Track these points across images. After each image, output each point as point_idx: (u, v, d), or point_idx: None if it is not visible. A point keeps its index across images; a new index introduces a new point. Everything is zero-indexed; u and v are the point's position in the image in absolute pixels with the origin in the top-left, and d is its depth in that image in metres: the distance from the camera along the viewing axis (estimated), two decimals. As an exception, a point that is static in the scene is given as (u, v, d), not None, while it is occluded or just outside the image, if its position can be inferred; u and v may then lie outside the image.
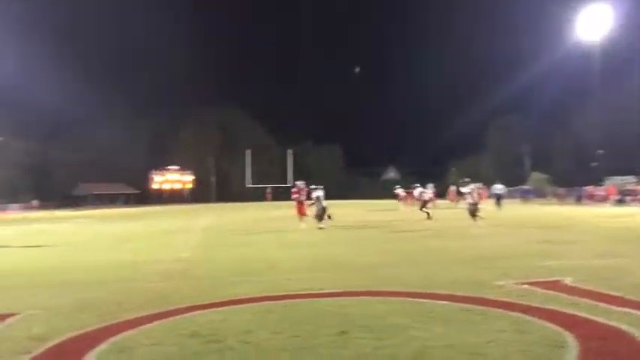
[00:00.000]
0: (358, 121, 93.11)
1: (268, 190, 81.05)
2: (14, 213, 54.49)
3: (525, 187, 55.92)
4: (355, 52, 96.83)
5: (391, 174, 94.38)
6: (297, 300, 6.91)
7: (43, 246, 16.63)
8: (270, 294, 7.29)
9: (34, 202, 70.18)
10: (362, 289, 7.46)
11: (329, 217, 20.31)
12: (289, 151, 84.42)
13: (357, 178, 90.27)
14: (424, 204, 24.97)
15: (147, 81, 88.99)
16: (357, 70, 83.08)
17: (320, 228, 19.01)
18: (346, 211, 34.29)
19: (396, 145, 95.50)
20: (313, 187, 20.77)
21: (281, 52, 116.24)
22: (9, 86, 67.80)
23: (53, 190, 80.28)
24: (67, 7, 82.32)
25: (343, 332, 5.24)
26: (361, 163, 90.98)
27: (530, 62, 67.67)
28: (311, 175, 79.81)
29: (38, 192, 76.48)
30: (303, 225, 20.08)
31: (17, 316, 6.35)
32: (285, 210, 37.98)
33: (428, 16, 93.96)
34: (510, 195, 43.98)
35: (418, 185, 29.54)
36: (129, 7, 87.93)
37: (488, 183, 38.25)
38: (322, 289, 7.53)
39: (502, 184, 34.32)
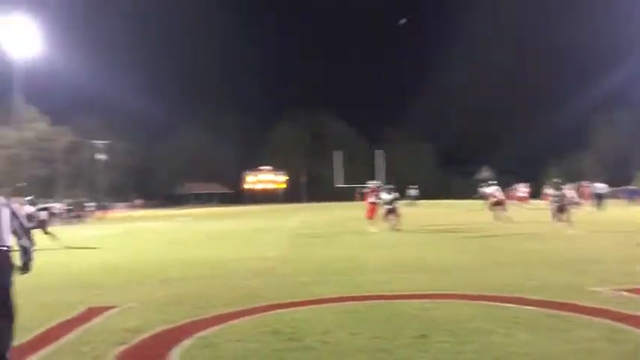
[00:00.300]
0: (450, 119, 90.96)
1: (358, 190, 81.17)
2: (119, 212, 58.15)
3: (632, 187, 52.29)
4: (445, 47, 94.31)
5: (485, 173, 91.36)
6: (379, 301, 6.90)
7: (143, 243, 17.67)
8: (353, 294, 7.34)
9: (137, 201, 74.49)
10: (446, 292, 7.33)
11: (397, 219, 19.00)
12: (378, 151, 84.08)
13: (449, 177, 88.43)
14: (498, 204, 22.96)
15: (239, 83, 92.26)
16: (404, 21, 77.94)
17: (394, 229, 18.32)
18: (436, 211, 33.68)
19: (491, 143, 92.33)
20: (383, 186, 19.99)
21: (371, 50, 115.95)
22: (114, 95, 73.18)
23: (155, 189, 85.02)
24: (160, 20, 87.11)
25: (424, 335, 5.18)
26: (454, 162, 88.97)
27: (637, 52, 63.29)
28: (402, 174, 79.07)
29: (141, 191, 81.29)
30: (372, 228, 18.70)
31: (116, 309, 6.80)
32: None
33: (526, 5, 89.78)
34: (614, 195, 41.30)
35: (494, 182, 28.21)
36: (218, 11, 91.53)
37: (590, 182, 36.16)
38: (405, 291, 7.47)
39: (605, 183, 32.35)
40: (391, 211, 19.04)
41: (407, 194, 48.60)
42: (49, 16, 57.54)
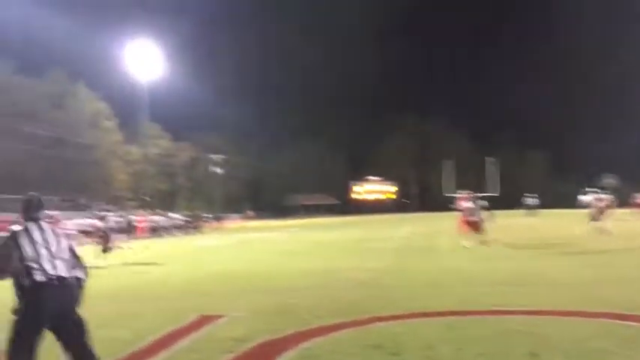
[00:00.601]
0: (567, 125, 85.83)
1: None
2: (233, 222, 60.65)
3: None
4: (558, 52, 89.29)
5: (609, 180, 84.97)
6: (487, 316, 6.63)
7: (254, 253, 18.29)
8: (459, 308, 7.10)
9: (250, 212, 77.34)
10: (560, 309, 6.88)
11: (483, 231, 16.83)
12: (490, 159, 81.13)
13: (565, 186, 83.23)
14: (599, 213, 19.76)
15: (346, 95, 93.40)
16: None
17: (482, 242, 16.20)
18: (552, 222, 31.86)
19: (612, 150, 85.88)
20: (475, 195, 17.89)
21: (479, 56, 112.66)
22: (230, 111, 77.48)
23: (266, 201, 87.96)
24: (268, 39, 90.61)
25: (534, 354, 4.90)
26: (571, 170, 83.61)
27: None
28: (516, 183, 75.65)
29: (253, 203, 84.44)
30: (466, 242, 16.40)
31: (224, 318, 7.07)
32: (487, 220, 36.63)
33: None
34: None
35: (598, 190, 25.73)
36: (324, 25, 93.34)
37: None
38: (513, 306, 7.11)
39: None
40: (474, 223, 16.87)
41: (524, 203, 46.22)
42: (171, 40, 61.83)
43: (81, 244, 27.17)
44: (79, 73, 58.97)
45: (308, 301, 8.12)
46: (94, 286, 11.52)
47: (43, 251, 3.82)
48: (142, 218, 34.53)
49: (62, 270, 3.87)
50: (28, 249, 3.79)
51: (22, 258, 3.76)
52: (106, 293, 9.97)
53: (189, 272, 13.25)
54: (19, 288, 3.75)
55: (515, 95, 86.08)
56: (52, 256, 3.85)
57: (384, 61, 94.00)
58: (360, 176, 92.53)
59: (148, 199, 54.94)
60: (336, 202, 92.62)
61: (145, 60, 51.18)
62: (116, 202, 52.84)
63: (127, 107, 62.14)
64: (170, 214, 39.12)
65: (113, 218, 30.96)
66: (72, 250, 4.10)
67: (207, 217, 49.04)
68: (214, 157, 73.21)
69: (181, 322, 6.82)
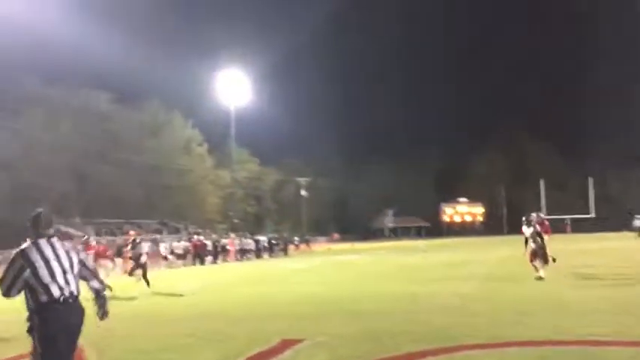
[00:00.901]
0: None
1: (566, 222, 74.89)
2: (319, 245, 61.04)
3: None
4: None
5: None
6: (587, 347, 6.17)
7: (339, 276, 18.23)
8: (554, 338, 6.67)
9: (336, 235, 77.62)
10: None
11: (553, 260, 14.07)
12: (590, 179, 76.83)
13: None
14: None
15: (434, 116, 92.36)
16: None
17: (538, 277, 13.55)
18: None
19: None
20: (528, 219, 14.35)
21: (571, 70, 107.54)
22: (314, 135, 79.27)
23: (352, 223, 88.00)
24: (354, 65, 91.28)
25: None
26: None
27: None
28: (620, 204, 70.90)
29: (339, 225, 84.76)
30: (541, 272, 13.60)
31: (305, 343, 7.02)
32: (584, 243, 34.60)
33: None
34: None
35: None
36: (411, 45, 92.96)
37: None
38: (615, 336, 6.58)
39: None
40: (535, 252, 13.90)
41: (633, 225, 43.12)
42: (257, 68, 64.12)
43: (176, 266, 28.46)
44: (172, 101, 62.30)
45: (393, 326, 7.94)
46: (181, 307, 11.91)
47: (56, 267, 3.82)
48: (231, 241, 35.50)
49: (74, 286, 3.88)
50: (40, 265, 3.77)
51: (35, 274, 3.75)
52: (194, 314, 10.28)
53: (275, 294, 13.40)
54: (35, 304, 3.75)
55: (618, 107, 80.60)
56: (65, 272, 3.85)
57: (471, 79, 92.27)
58: (450, 197, 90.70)
59: (237, 221, 56.58)
60: (425, 224, 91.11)
61: (233, 88, 53.58)
62: (207, 226, 54.75)
63: (216, 133, 65.01)
64: (258, 237, 39.96)
65: (205, 241, 32.11)
66: (84, 264, 4.11)
67: (294, 240, 49.71)
68: (300, 180, 74.45)
69: (265, 345, 6.85)
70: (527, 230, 14.12)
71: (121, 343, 7.56)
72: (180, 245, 31.35)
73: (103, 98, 53.95)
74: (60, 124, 47.51)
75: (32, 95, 46.29)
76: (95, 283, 4.11)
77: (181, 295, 14.03)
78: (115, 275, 19.64)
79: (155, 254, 31.76)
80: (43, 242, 3.88)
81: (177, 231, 50.07)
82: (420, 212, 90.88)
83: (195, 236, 33.26)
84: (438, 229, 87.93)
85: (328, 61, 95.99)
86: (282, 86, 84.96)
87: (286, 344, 6.91)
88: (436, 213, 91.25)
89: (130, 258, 16.50)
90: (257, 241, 37.77)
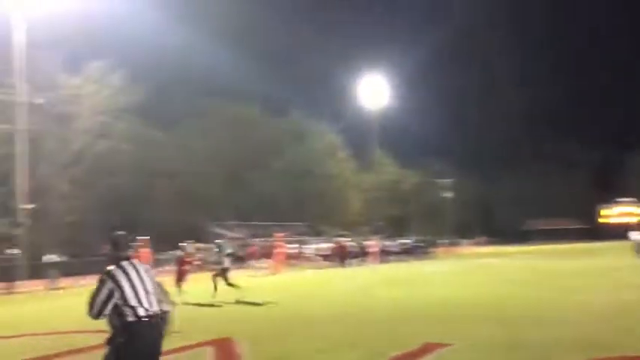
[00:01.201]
0: None
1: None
2: (465, 248, 59.25)
3: None
4: None
5: None
6: None
7: (484, 280, 17.65)
8: None
9: (481, 238, 74.89)
10: None
11: None
12: None
13: None
14: None
15: (584, 114, 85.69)
16: None
17: None
18: None
19: None
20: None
21: None
22: (453, 135, 76.91)
23: (498, 226, 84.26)
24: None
25: None
26: None
27: None
28: None
29: (485, 228, 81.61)
30: None
31: (450, 347, 6.98)
32: None
33: None
34: None
35: None
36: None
37: None
38: None
39: None
40: None
41: None
42: (397, 71, 64.34)
43: (321, 266, 29.37)
44: (317, 108, 64.52)
45: (542, 335, 7.62)
46: (323, 308, 12.24)
47: (140, 288, 4.02)
48: (373, 243, 35.78)
49: (155, 305, 4.08)
50: (127, 287, 3.97)
51: (123, 297, 3.94)
52: (334, 315, 10.56)
53: (418, 297, 13.35)
54: (121, 323, 3.95)
55: None
56: (147, 292, 4.06)
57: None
58: (609, 198, 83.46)
59: (381, 224, 56.92)
60: (579, 226, 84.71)
61: (375, 92, 54.37)
62: (351, 228, 55.67)
63: (357, 137, 66.04)
64: (400, 240, 39.89)
65: (348, 243, 32.80)
66: (159, 285, 4.30)
67: (440, 242, 48.96)
68: (443, 181, 72.92)
69: (406, 348, 6.92)
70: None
71: (277, 343, 7.83)
72: (325, 247, 32.34)
73: (251, 110, 57.38)
74: (215, 134, 51.41)
75: (189, 109, 50.93)
76: (165, 305, 4.29)
77: (322, 297, 14.50)
78: (262, 275, 20.74)
79: (300, 255, 33.19)
80: (126, 264, 4.09)
81: (321, 233, 51.51)
82: (575, 214, 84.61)
83: (339, 238, 34.07)
84: (597, 232, 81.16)
85: (465, 65, 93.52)
86: (422, 90, 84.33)
87: (429, 347, 6.93)
88: (594, 215, 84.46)
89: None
90: (401, 244, 37.72)
